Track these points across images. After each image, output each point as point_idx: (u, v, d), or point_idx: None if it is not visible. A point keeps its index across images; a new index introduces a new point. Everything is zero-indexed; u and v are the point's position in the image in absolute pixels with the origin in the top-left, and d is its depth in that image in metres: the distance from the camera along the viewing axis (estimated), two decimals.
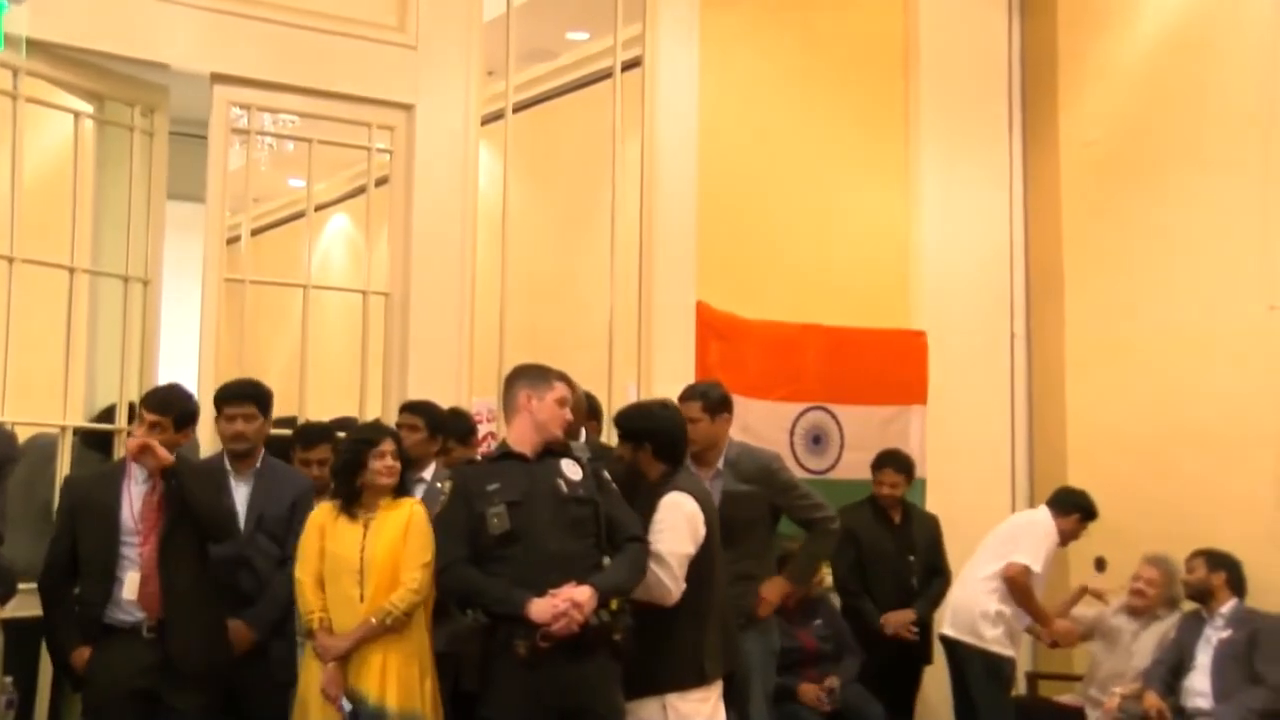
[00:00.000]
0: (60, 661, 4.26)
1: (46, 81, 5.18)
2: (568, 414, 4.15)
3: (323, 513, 4.30)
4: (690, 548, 4.14)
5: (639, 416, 4.42)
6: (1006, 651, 5.78)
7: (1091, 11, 7.18)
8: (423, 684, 4.15)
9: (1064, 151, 7.22)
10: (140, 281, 5.42)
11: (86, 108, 5.42)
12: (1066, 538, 5.98)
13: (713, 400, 4.88)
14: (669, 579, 4.07)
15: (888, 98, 7.20)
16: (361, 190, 6.18)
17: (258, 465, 4.64)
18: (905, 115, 7.21)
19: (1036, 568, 5.76)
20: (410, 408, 5.04)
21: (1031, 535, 5.86)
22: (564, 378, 4.19)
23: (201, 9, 5.39)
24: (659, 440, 4.28)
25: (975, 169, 7.34)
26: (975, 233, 7.30)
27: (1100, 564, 6.66)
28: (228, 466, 4.61)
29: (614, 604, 3.93)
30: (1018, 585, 5.74)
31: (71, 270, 5.26)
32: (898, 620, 5.92)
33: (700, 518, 4.19)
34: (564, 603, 3.80)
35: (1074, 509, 5.99)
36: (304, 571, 4.23)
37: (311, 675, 4.19)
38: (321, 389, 5.75)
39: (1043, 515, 5.98)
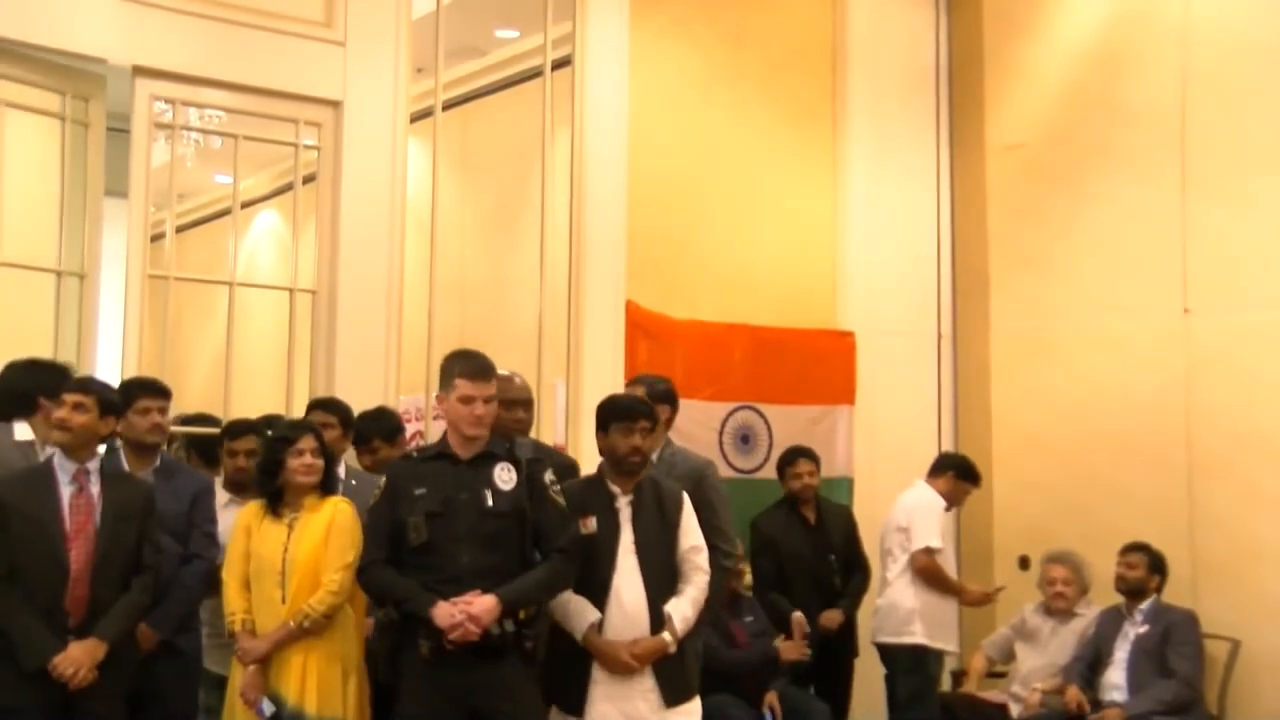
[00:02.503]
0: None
1: None
2: (477, 410, 3.98)
3: (249, 513, 4.24)
4: None
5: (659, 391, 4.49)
6: (932, 643, 5.85)
7: (1015, 15, 7.27)
8: (345, 686, 4.09)
9: (990, 154, 7.30)
10: (76, 276, 5.32)
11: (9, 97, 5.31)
12: (951, 500, 6.07)
13: (657, 391, 4.78)
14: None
15: (816, 97, 7.23)
16: (289, 187, 6.12)
17: (157, 463, 4.56)
18: (833, 115, 7.24)
19: (936, 543, 5.86)
20: (321, 405, 5.02)
21: (919, 514, 5.93)
22: (469, 371, 4.00)
23: (125, 0, 5.31)
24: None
25: (902, 170, 7.40)
26: (902, 233, 7.36)
27: (1024, 562, 6.75)
28: (125, 465, 4.52)
29: (523, 613, 3.92)
30: (929, 570, 5.84)
31: None
32: (829, 619, 5.93)
33: None
34: (461, 614, 3.80)
35: (945, 469, 6.12)
36: (229, 573, 4.19)
37: (240, 676, 4.13)
38: (247, 386, 5.69)
39: (920, 490, 6.05)
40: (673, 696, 4.10)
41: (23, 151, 5.36)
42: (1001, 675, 6.24)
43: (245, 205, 7.17)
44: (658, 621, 4.10)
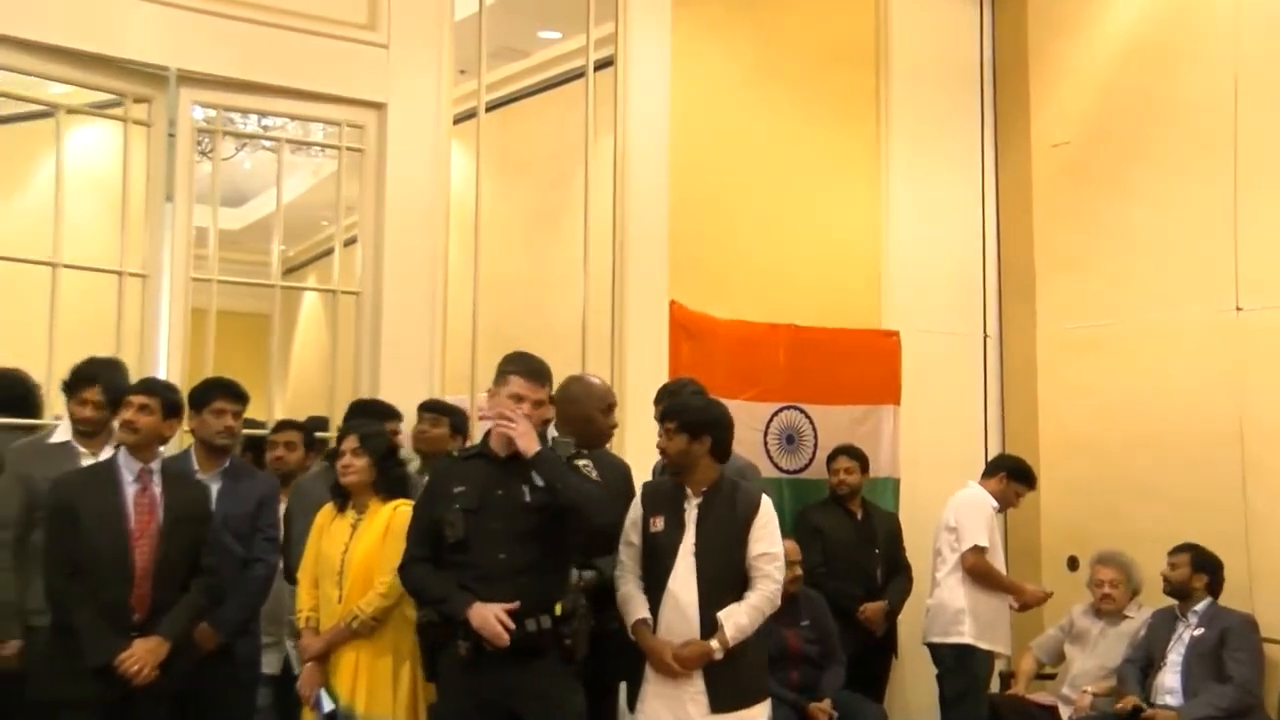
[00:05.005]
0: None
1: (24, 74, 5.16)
2: (523, 410, 3.99)
3: (324, 514, 4.32)
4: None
5: (702, 412, 4.32)
6: (980, 644, 5.81)
7: (1060, 12, 7.21)
8: (396, 688, 4.12)
9: (1035, 152, 7.24)
10: (138, 277, 5.37)
11: (68, 102, 5.39)
12: (1003, 502, 6.04)
13: (687, 397, 4.83)
14: (783, 581, 4.14)
15: (859, 96, 7.20)
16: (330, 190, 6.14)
17: (225, 464, 4.60)
18: (876, 113, 7.21)
19: (983, 542, 5.82)
20: (433, 407, 5.19)
21: (966, 514, 5.90)
22: (528, 372, 4.03)
23: (168, 6, 5.35)
24: (720, 437, 4.24)
25: (946, 168, 7.36)
26: (947, 232, 7.32)
27: (1073, 563, 6.69)
28: (195, 465, 4.56)
29: (559, 609, 3.91)
30: (978, 569, 5.80)
31: (54, 266, 5.21)
32: (874, 610, 5.96)
33: None
34: (494, 622, 3.79)
35: (998, 470, 6.09)
36: (302, 572, 4.30)
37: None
38: (298, 390, 5.71)
39: (971, 490, 6.02)
40: (721, 703, 4.07)
41: (86, 154, 5.42)
42: (1050, 677, 6.17)
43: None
44: (710, 626, 4.07)
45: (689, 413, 4.27)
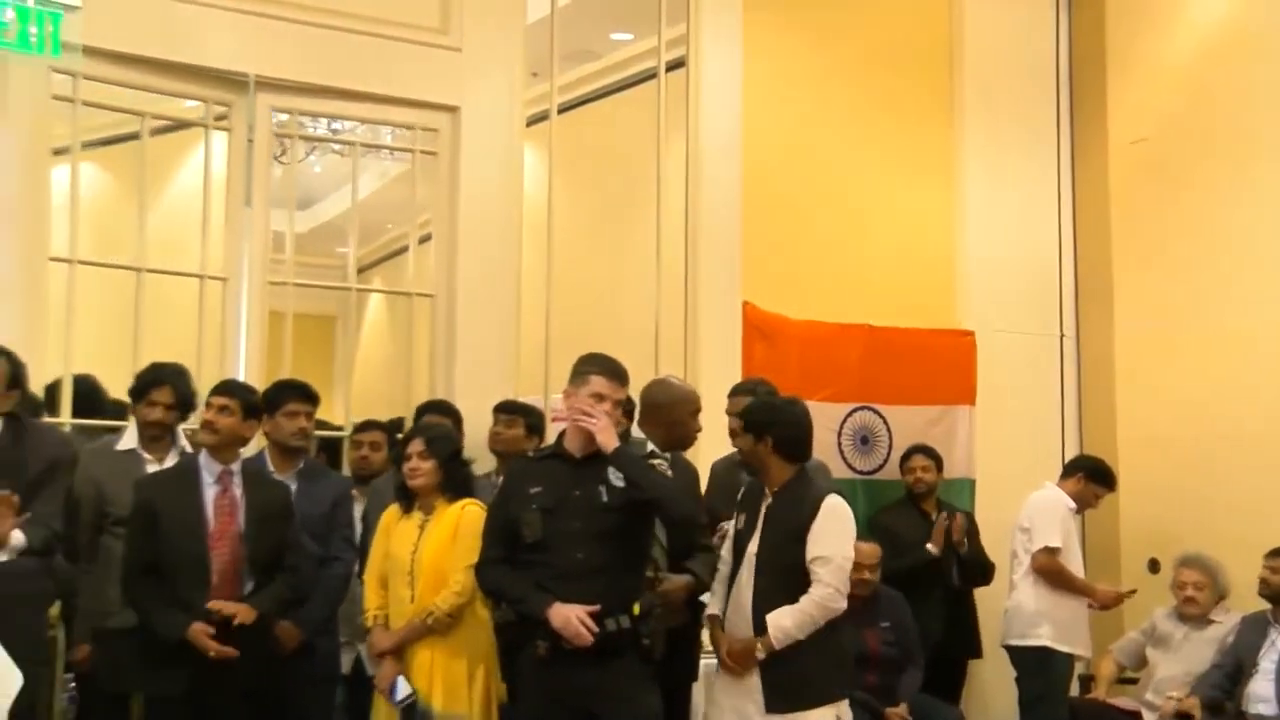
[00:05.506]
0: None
1: (107, 83, 5.25)
2: (604, 409, 4.00)
3: (389, 515, 4.34)
4: (853, 552, 4.16)
5: (763, 409, 4.38)
6: (1058, 646, 5.74)
7: (1140, 5, 7.09)
8: (471, 685, 4.14)
9: (1112, 149, 7.13)
10: (219, 280, 5.44)
11: (151, 109, 5.48)
12: (1081, 503, 5.96)
13: (761, 396, 4.86)
14: (840, 585, 4.07)
15: (932, 94, 7.14)
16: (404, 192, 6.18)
17: (300, 465, 4.63)
18: (950, 111, 7.15)
19: (1055, 543, 5.75)
20: (508, 408, 5.17)
21: (1039, 515, 5.84)
22: (610, 372, 4.04)
23: (245, 13, 5.43)
24: (781, 434, 4.23)
25: (1021, 166, 7.27)
26: (1022, 231, 7.23)
27: (1154, 565, 6.58)
28: (270, 466, 4.60)
29: (637, 608, 3.92)
30: (1050, 570, 5.74)
31: (138, 270, 5.30)
32: (957, 525, 5.94)
33: (854, 523, 4.21)
34: (576, 623, 3.79)
35: (1076, 471, 6.02)
36: (369, 572, 4.32)
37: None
38: (362, 391, 5.76)
39: (1046, 491, 5.95)
40: (776, 703, 4.08)
41: (169, 158, 5.51)
42: (1133, 682, 6.07)
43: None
44: (762, 626, 4.09)
45: (751, 412, 4.32)
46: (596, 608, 3.81)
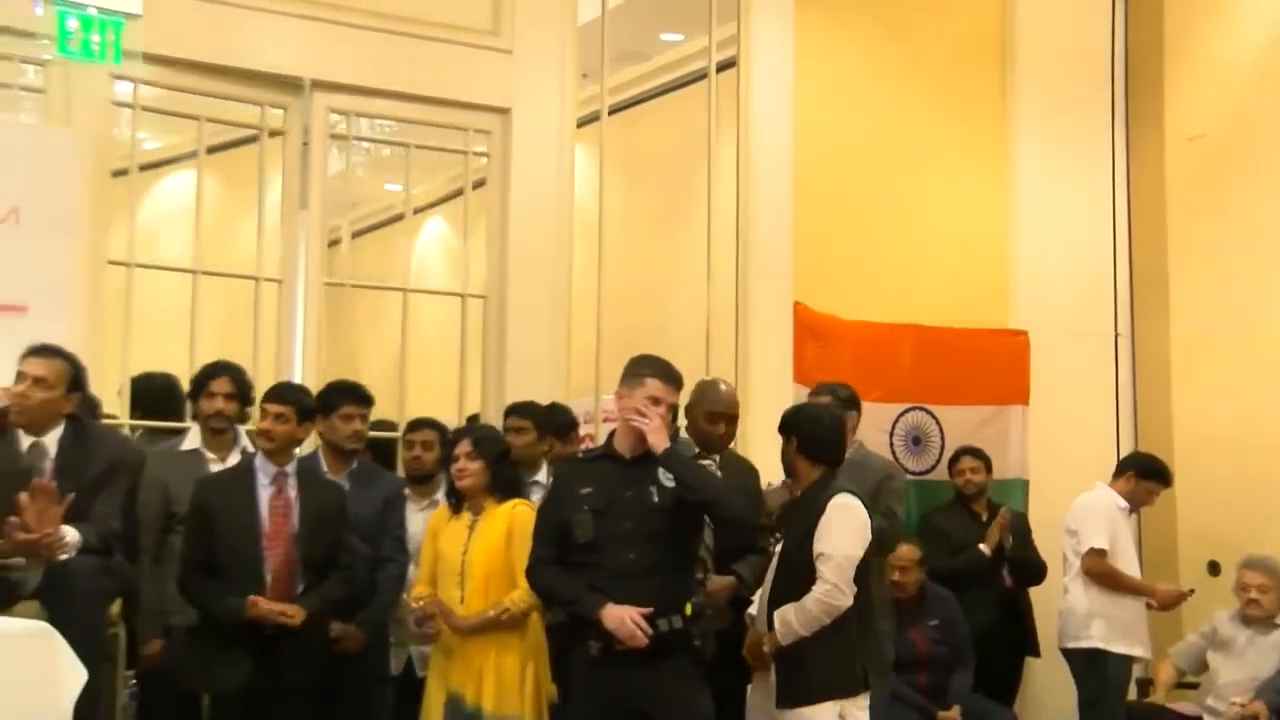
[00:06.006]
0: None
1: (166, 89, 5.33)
2: (660, 412, 3.99)
3: (438, 516, 4.39)
4: (859, 550, 4.12)
5: (793, 411, 4.43)
6: (1110, 647, 5.68)
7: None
8: (523, 686, 4.16)
9: (1169, 145, 7.03)
10: (274, 282, 5.50)
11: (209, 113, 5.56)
12: (1135, 502, 5.88)
13: (841, 398, 5.00)
14: (841, 582, 4.05)
15: (984, 91, 7.09)
16: (456, 194, 6.22)
17: (353, 466, 4.67)
18: (1003, 109, 7.09)
19: (1103, 544, 5.69)
20: (516, 410, 5.08)
21: (1085, 516, 5.78)
22: (665, 375, 4.03)
23: (301, 18, 5.48)
24: (805, 434, 4.25)
25: (1076, 164, 7.19)
26: (1076, 229, 7.15)
27: (1214, 568, 6.48)
28: (324, 467, 4.65)
29: (688, 609, 3.92)
30: (1099, 572, 5.68)
31: (194, 273, 5.37)
32: (999, 522, 5.90)
33: (868, 521, 4.18)
34: (631, 624, 3.80)
35: (1126, 469, 5.94)
36: (421, 576, 4.37)
37: (436, 676, 4.27)
38: (417, 391, 5.79)
39: (1095, 492, 5.88)
40: (783, 698, 4.10)
41: (224, 161, 5.58)
42: (1194, 686, 5.99)
43: (415, 212, 7.27)
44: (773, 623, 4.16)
45: (784, 414, 4.39)
46: (650, 610, 3.82)
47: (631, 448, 3.98)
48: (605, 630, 3.81)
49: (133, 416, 5.17)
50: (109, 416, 5.24)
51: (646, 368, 4.04)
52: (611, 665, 3.84)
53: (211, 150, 5.73)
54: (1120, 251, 7.25)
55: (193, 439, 4.64)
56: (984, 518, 6.11)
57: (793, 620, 4.06)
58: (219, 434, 4.57)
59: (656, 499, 3.93)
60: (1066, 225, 7.13)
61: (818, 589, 4.04)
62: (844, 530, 4.11)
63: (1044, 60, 7.13)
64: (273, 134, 5.56)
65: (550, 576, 3.98)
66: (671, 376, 4.04)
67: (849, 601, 4.05)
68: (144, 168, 5.66)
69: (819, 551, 4.08)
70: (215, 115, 5.60)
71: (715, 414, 4.67)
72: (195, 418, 4.68)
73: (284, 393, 4.37)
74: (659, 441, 3.88)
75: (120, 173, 5.41)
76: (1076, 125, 7.20)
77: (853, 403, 5.06)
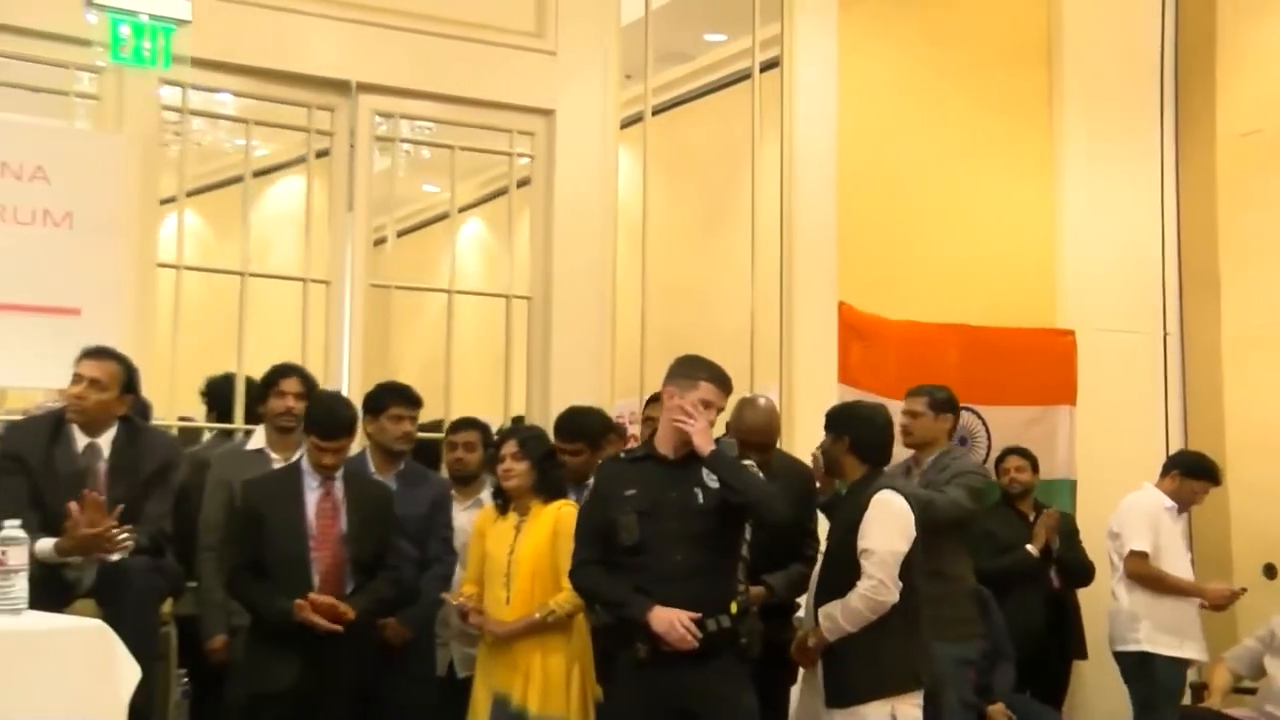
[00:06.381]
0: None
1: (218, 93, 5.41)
2: (711, 417, 4.01)
3: (484, 517, 4.40)
4: (903, 545, 4.10)
5: (843, 410, 4.45)
6: (1158, 650, 5.62)
7: None
8: (569, 688, 4.17)
9: (1220, 141, 6.96)
10: (321, 283, 5.54)
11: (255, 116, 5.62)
12: (1182, 501, 5.81)
13: (938, 399, 5.02)
14: (886, 578, 4.04)
15: (1030, 89, 7.05)
16: (494, 195, 6.24)
17: (401, 467, 4.69)
18: (1049, 105, 7.06)
19: (1144, 546, 5.63)
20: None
21: (1128, 518, 5.74)
22: (718, 379, 4.02)
23: (346, 21, 5.51)
24: (859, 435, 4.26)
25: (1124, 161, 7.14)
26: (1124, 227, 7.10)
27: (1270, 570, 6.41)
28: (371, 468, 4.67)
29: (734, 608, 3.91)
30: (1141, 575, 5.63)
31: (242, 275, 5.42)
32: (1044, 522, 5.86)
33: (911, 517, 4.15)
34: (681, 628, 3.79)
35: (1171, 469, 5.87)
36: (466, 577, 4.40)
37: (482, 676, 4.29)
38: (456, 392, 5.81)
39: (1139, 493, 5.82)
40: (833, 697, 4.10)
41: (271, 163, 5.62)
42: (1251, 691, 5.91)
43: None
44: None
45: (830, 411, 4.43)
46: (698, 615, 3.81)
47: (675, 448, 3.97)
48: (653, 633, 3.81)
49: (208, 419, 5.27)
50: (186, 419, 5.33)
51: (702, 370, 4.02)
52: (659, 667, 3.84)
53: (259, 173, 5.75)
54: (1169, 249, 7.19)
55: (257, 439, 4.69)
56: (1030, 518, 6.07)
57: (838, 616, 4.06)
58: (286, 433, 4.60)
59: (701, 500, 3.92)
60: (1114, 223, 7.07)
61: (863, 585, 4.04)
62: (887, 526, 4.10)
63: (1091, 57, 7.07)
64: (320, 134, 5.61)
65: (594, 578, 3.97)
66: (725, 381, 4.04)
67: (894, 597, 4.04)
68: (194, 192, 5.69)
69: (863, 548, 4.07)
70: (263, 119, 5.65)
71: (749, 443, 4.62)
72: (263, 418, 4.73)
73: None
74: (704, 443, 3.87)
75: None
76: (1125, 122, 7.14)
77: (950, 405, 5.06)
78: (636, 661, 3.87)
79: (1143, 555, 5.64)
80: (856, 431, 4.26)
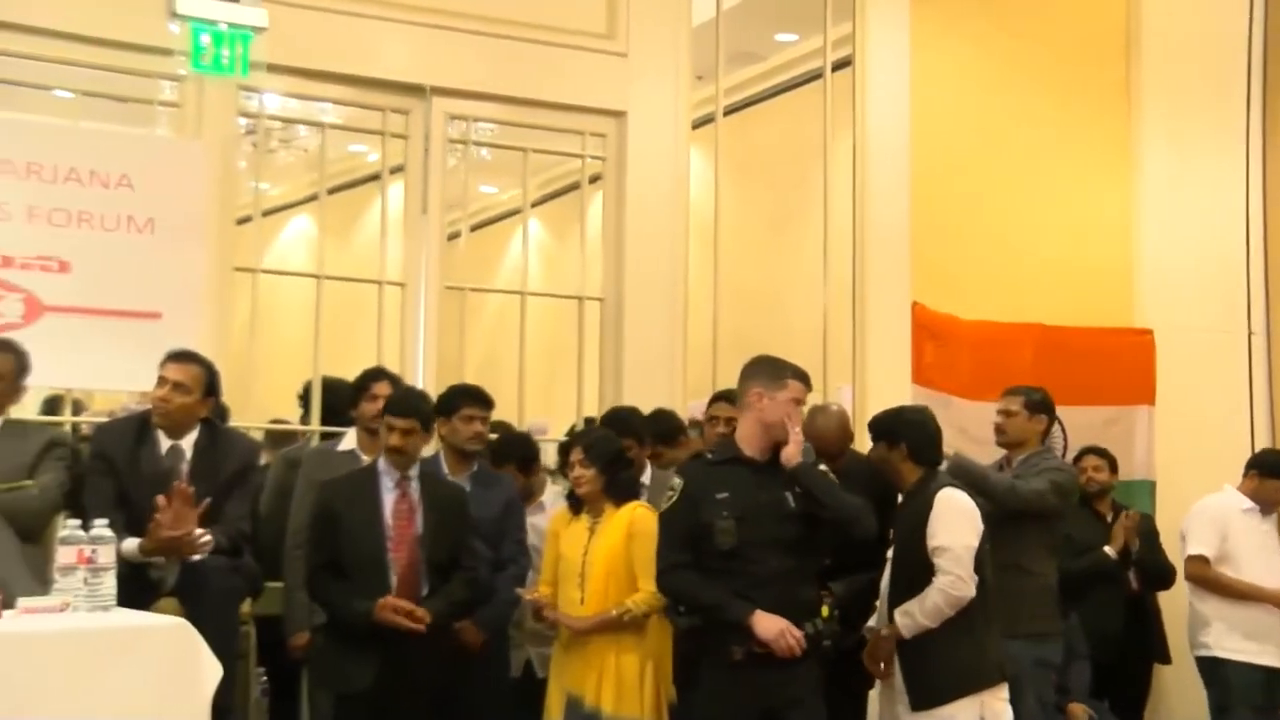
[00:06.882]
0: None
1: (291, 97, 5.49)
2: (801, 416, 4.04)
3: (558, 519, 4.43)
4: (974, 539, 4.10)
5: (891, 417, 4.42)
6: (1226, 655, 5.51)
7: None
8: (643, 688, 4.17)
9: None
10: (397, 285, 5.60)
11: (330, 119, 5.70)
12: (1264, 502, 5.68)
13: (1033, 400, 5.03)
14: (963, 572, 4.03)
15: (1108, 86, 6.93)
16: (554, 195, 6.25)
17: (474, 468, 4.73)
18: (1128, 100, 6.94)
19: (1203, 550, 5.54)
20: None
21: (1193, 521, 5.66)
22: (802, 376, 4.04)
23: (419, 25, 5.56)
24: (914, 440, 4.26)
25: (1205, 157, 7.00)
26: (1206, 225, 6.97)
27: None
28: (445, 470, 4.71)
29: (825, 611, 3.93)
30: (1199, 579, 5.55)
31: (318, 278, 5.50)
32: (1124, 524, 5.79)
33: (976, 511, 4.15)
34: (790, 638, 3.81)
35: (1250, 469, 5.76)
36: (543, 577, 4.43)
37: (556, 676, 4.31)
38: (525, 393, 5.85)
39: (1215, 495, 5.72)
40: (916, 699, 4.07)
41: (348, 166, 5.69)
42: None
43: (513, 214, 7.32)
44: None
45: (876, 420, 4.41)
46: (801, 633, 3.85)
47: (762, 450, 3.98)
48: (752, 635, 3.81)
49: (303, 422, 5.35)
50: (281, 421, 5.40)
51: (786, 369, 4.03)
52: (751, 668, 3.85)
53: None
54: (1254, 247, 7.04)
55: (349, 440, 4.76)
56: (1108, 519, 5.99)
57: (916, 613, 4.06)
58: (377, 435, 4.60)
59: (792, 504, 3.94)
60: (1196, 220, 6.95)
61: (940, 580, 4.03)
62: (957, 521, 4.10)
63: (1172, 51, 6.94)
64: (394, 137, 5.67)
65: (689, 581, 3.95)
66: (808, 379, 4.07)
67: (972, 591, 4.03)
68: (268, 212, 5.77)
69: (934, 546, 4.07)
70: (337, 125, 5.74)
71: (822, 450, 4.63)
72: (355, 420, 4.79)
73: (407, 407, 4.30)
74: (794, 455, 3.90)
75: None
76: (1207, 115, 7.00)
77: (1045, 406, 5.05)
78: (730, 664, 3.86)
79: (1202, 559, 5.56)
80: (911, 436, 4.28)
